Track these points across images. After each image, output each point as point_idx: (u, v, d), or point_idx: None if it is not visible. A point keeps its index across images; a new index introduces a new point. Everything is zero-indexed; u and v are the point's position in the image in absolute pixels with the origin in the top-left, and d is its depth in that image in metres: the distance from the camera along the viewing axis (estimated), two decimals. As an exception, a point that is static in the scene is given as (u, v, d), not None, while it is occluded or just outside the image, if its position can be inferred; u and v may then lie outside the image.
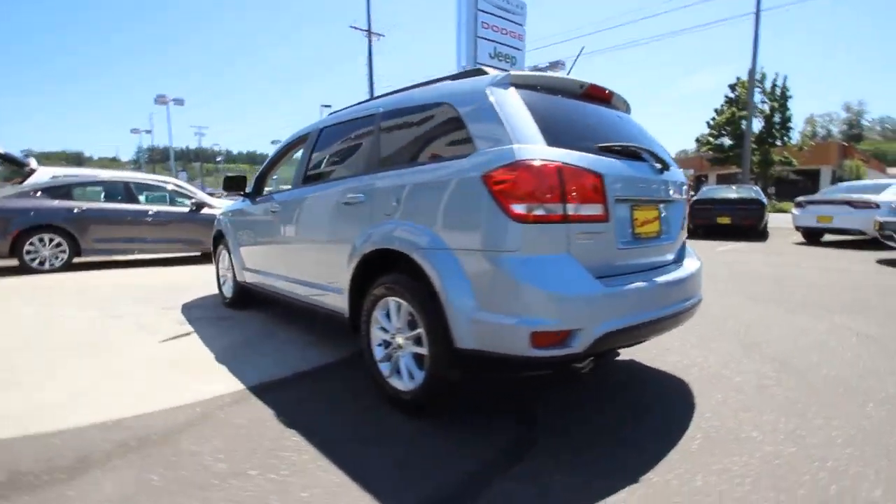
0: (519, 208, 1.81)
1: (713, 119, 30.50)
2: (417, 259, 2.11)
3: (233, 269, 4.33)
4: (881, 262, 7.43)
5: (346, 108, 3.22)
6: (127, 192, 7.84)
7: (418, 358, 2.24)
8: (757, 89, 26.63)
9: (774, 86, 29.59)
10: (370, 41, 26.00)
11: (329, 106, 25.51)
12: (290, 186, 3.41)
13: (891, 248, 7.59)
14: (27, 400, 2.48)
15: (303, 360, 3.07)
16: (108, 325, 3.92)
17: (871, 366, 2.89)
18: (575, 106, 2.31)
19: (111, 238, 7.43)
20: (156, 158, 70.42)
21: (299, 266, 3.18)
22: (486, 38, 19.11)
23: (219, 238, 4.74)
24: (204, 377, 2.80)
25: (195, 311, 4.38)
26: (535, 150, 1.86)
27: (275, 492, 1.68)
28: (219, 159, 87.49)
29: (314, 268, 3.00)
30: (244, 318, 4.15)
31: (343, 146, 3.10)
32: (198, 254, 8.32)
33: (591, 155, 2.00)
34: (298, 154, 3.77)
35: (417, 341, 2.21)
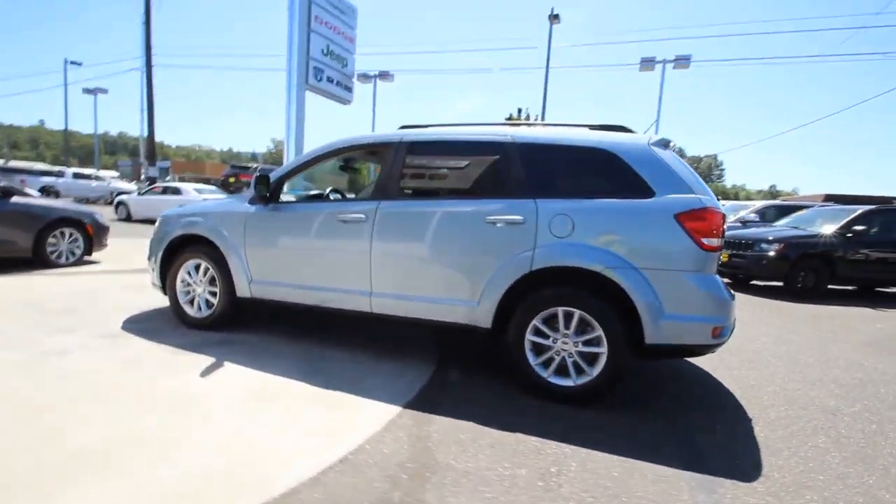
0: (707, 241, 2.55)
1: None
2: (608, 275, 2.60)
3: (222, 283, 3.62)
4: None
5: (440, 126, 3.32)
6: None
7: (587, 357, 2.71)
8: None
9: (536, 120, 37.58)
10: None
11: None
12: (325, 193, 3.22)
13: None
14: None
15: (402, 375, 3.04)
16: (107, 380, 2.84)
17: None
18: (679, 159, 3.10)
19: None
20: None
21: (403, 281, 3.09)
22: (319, 34, 18.62)
23: (178, 245, 3.84)
24: (337, 409, 2.55)
25: (169, 338, 3.48)
26: (709, 200, 2.63)
27: (572, 455, 1.98)
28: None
29: (433, 282, 3.01)
30: (246, 338, 3.55)
31: (460, 166, 3.19)
32: None
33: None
34: (326, 162, 3.58)
35: (587, 343, 2.69)
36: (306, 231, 3.39)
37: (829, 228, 7.59)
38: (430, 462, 2.04)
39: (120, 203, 15.35)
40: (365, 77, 23.05)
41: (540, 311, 2.76)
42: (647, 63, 17.72)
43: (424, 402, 2.66)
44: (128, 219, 14.88)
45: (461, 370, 3.23)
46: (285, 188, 3.64)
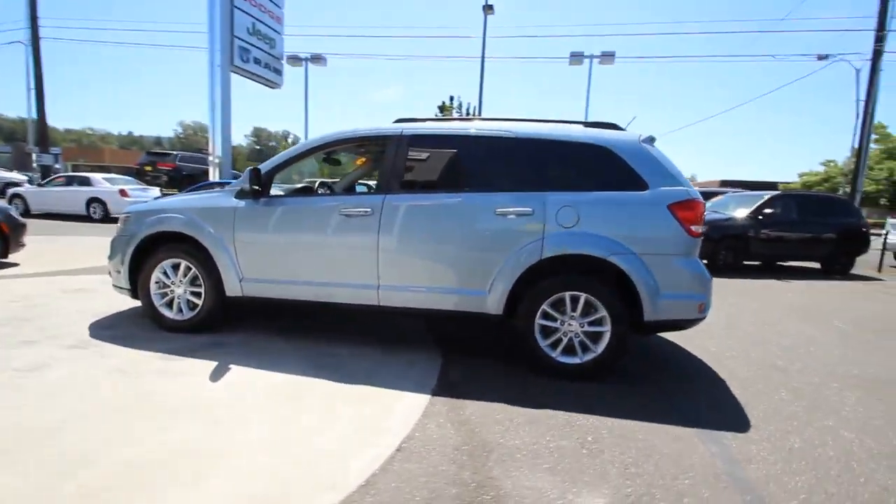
0: (694, 228, 2.89)
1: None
2: (612, 261, 2.86)
3: (208, 283, 3.42)
4: None
5: (440, 120, 3.37)
6: None
7: (592, 336, 2.96)
8: (456, 112, 33.72)
9: (469, 112, 37.92)
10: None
11: None
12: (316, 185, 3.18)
13: None
14: None
15: (413, 364, 3.11)
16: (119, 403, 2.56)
17: None
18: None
19: None
20: None
21: (411, 273, 3.12)
22: (244, 11, 17.52)
23: (149, 245, 3.55)
24: (369, 403, 2.58)
25: (152, 344, 3.23)
26: (694, 191, 2.96)
27: (600, 425, 2.23)
28: None
29: (441, 274, 3.08)
30: (236, 339, 3.40)
31: (463, 160, 3.26)
32: None
33: None
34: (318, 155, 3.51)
35: (592, 323, 2.95)
36: (305, 226, 3.30)
37: (742, 212, 8.67)
38: (481, 442, 2.17)
39: (15, 196, 13.41)
40: (295, 59, 21.91)
41: (549, 297, 2.96)
42: (576, 57, 18.74)
43: (448, 388, 2.76)
44: (25, 213, 13.05)
45: (467, 356, 3.36)
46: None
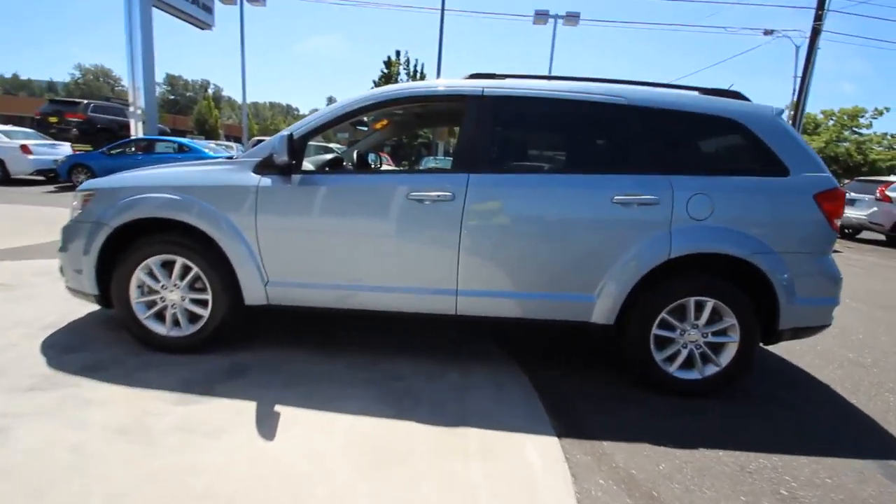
0: (836, 222, 2.49)
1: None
2: (753, 261, 2.40)
3: (219, 288, 2.55)
4: None
5: (521, 78, 2.64)
6: None
7: (714, 347, 2.53)
8: (403, 69, 31.91)
9: (416, 68, 36.07)
10: None
11: None
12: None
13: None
14: None
15: (501, 387, 2.53)
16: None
17: None
18: None
19: None
20: None
21: (499, 275, 2.46)
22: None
23: (124, 235, 2.58)
24: (492, 457, 1.98)
25: (146, 374, 2.36)
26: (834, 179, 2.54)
27: (779, 467, 1.83)
28: None
29: (536, 276, 2.46)
30: (264, 360, 2.61)
31: (566, 131, 2.59)
32: None
33: None
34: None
35: (716, 333, 2.51)
36: (358, 213, 2.52)
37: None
38: (674, 514, 1.67)
39: None
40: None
41: (671, 303, 2.47)
42: (541, 16, 17.96)
43: (571, 426, 2.21)
44: None
45: (549, 368, 2.82)
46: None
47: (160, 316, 2.66)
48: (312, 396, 2.27)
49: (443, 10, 18.09)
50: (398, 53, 32.00)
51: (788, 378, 2.98)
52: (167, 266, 2.61)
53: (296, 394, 2.28)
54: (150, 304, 2.65)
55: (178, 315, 2.64)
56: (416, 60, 32.58)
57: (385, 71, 32.04)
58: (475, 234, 2.45)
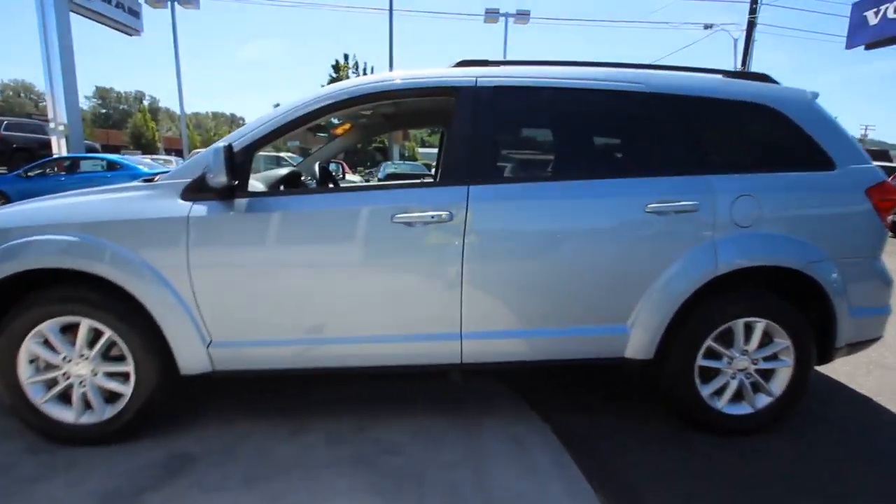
0: (889, 220, 2.16)
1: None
2: (809, 272, 2.02)
3: (142, 356, 1.90)
4: None
5: (516, 65, 2.16)
6: None
7: (764, 375, 2.15)
8: (353, 72, 31.06)
9: (366, 71, 35.18)
10: None
11: None
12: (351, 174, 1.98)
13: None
14: None
15: (521, 443, 2.03)
16: None
17: None
18: None
19: None
20: None
21: (509, 310, 1.95)
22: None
23: (7, 288, 1.89)
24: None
25: (51, 480, 1.69)
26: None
27: None
28: None
29: (555, 307, 1.98)
30: (210, 445, 1.98)
31: (581, 126, 2.11)
32: None
33: None
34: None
35: (767, 359, 2.12)
36: (329, 244, 1.94)
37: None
38: None
39: None
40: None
41: (718, 327, 2.06)
42: (492, 15, 17.71)
43: (617, 492, 1.75)
44: None
45: (572, 412, 2.35)
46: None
47: (66, 397, 1.98)
48: (284, 499, 1.68)
49: (391, 9, 17.51)
50: (346, 57, 31.10)
51: (818, 391, 2.66)
52: (69, 330, 1.94)
53: (261, 497, 1.68)
54: (51, 384, 1.96)
55: (89, 395, 1.96)
56: (366, 63, 31.81)
57: (334, 75, 31.03)
58: (481, 262, 1.93)
